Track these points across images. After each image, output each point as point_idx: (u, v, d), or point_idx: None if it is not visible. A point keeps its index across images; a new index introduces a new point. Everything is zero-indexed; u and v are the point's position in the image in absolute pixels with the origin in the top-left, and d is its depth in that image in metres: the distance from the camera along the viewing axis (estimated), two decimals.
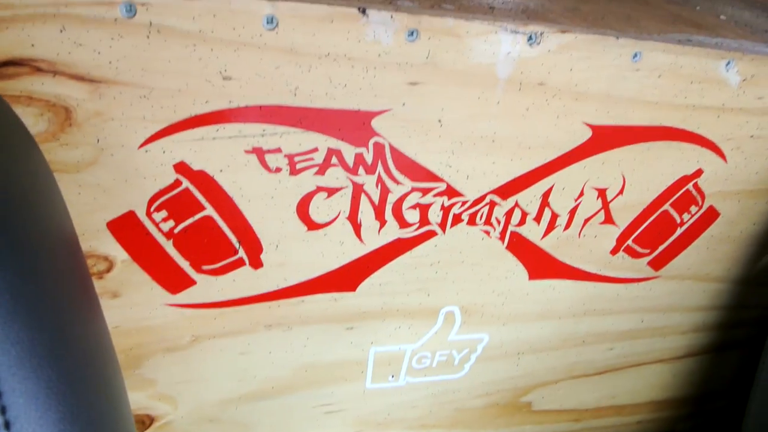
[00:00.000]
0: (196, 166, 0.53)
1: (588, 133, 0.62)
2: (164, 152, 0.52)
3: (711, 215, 0.74)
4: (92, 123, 0.49)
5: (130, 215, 0.54)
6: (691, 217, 0.73)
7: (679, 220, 0.73)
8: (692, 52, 0.60)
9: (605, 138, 0.62)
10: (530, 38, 0.54)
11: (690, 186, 0.70)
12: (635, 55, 0.58)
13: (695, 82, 0.62)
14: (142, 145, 0.51)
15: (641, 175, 0.67)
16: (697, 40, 0.62)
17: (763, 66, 0.64)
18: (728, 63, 0.62)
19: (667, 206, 0.71)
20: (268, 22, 0.48)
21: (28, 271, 0.44)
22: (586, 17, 0.62)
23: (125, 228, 0.55)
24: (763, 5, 0.94)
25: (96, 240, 0.55)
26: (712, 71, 0.62)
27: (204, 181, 0.54)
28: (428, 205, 0.61)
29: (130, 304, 0.59)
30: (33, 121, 0.48)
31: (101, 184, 0.52)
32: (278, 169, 0.55)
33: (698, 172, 0.70)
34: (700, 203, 0.72)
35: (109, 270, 0.57)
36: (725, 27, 0.72)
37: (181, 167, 0.53)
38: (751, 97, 0.66)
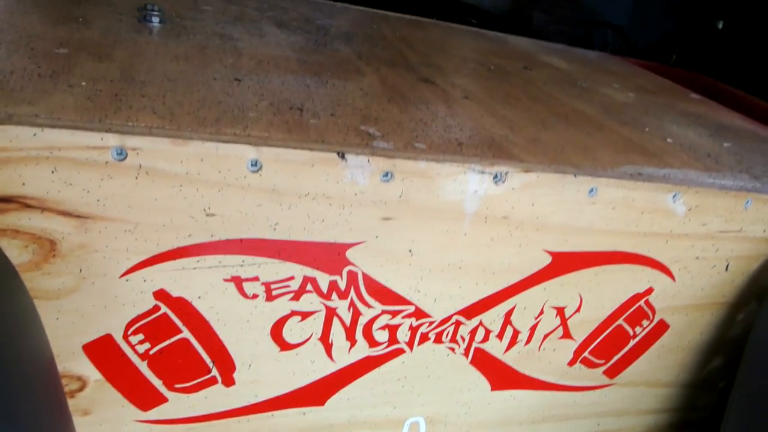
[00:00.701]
0: (175, 293, 0.55)
1: (548, 259, 0.65)
2: (145, 281, 0.53)
3: (661, 328, 0.78)
4: (76, 254, 0.51)
5: (107, 338, 0.55)
6: (642, 330, 0.77)
7: (632, 333, 0.77)
8: (643, 187, 0.65)
9: (564, 263, 0.67)
10: (496, 177, 0.58)
11: (642, 302, 0.75)
12: (591, 190, 0.63)
13: (646, 213, 0.67)
14: (123, 275, 0.53)
15: (597, 295, 0.71)
16: (647, 174, 0.68)
17: (706, 197, 0.69)
18: (675, 195, 0.67)
19: (620, 321, 0.75)
20: (252, 165, 0.51)
21: (2, 392, 0.45)
22: (547, 149, 0.66)
23: (101, 350, 0.56)
24: (704, 123, 1.02)
25: (71, 361, 0.55)
26: (661, 203, 0.67)
27: (182, 306, 0.55)
28: (397, 326, 0.64)
29: (100, 421, 0.60)
30: (17, 252, 0.50)
31: (80, 309, 0.53)
32: (255, 296, 0.57)
33: (649, 290, 0.74)
34: (651, 317, 0.77)
35: (81, 389, 0.57)
36: (672, 153, 0.78)
37: (161, 294, 0.54)
38: (696, 224, 0.71)
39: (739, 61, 1.68)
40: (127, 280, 0.53)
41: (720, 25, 1.69)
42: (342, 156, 0.53)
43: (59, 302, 0.53)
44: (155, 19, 0.81)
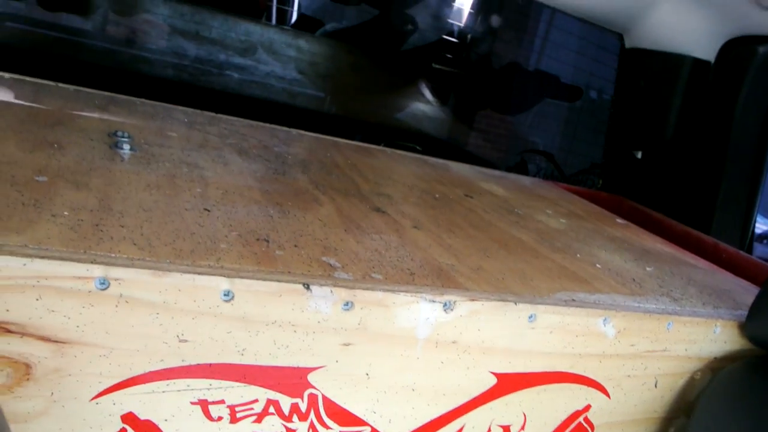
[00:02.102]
0: (143, 417, 0.57)
1: (493, 381, 0.71)
2: (114, 404, 0.56)
3: None
4: (50, 378, 0.53)
5: None
6: None
7: None
8: (576, 312, 0.72)
9: (508, 383, 0.72)
10: (445, 305, 0.64)
11: (581, 419, 0.80)
12: (531, 316, 0.69)
13: (580, 335, 0.74)
14: (94, 398, 0.55)
15: (540, 413, 0.76)
16: (579, 299, 0.75)
17: (632, 320, 0.77)
18: (605, 319, 0.74)
19: None
20: (225, 295, 0.55)
21: None
22: (490, 278, 0.73)
23: None
24: (628, 248, 1.12)
25: None
26: (593, 326, 0.74)
27: (149, 429, 0.57)
28: None
29: None
30: None
31: None
32: (220, 418, 0.59)
33: (587, 407, 0.80)
34: None
35: None
36: (601, 278, 0.86)
37: (129, 417, 0.56)
38: (625, 345, 0.78)
39: (656, 186, 1.84)
40: (97, 404, 0.55)
41: (639, 155, 1.87)
42: (307, 287, 0.58)
43: (27, 425, 0.54)
44: (126, 146, 0.86)
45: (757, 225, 1.91)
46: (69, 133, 0.87)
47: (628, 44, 1.87)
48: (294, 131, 1.33)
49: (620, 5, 1.74)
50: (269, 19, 2.51)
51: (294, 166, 1.03)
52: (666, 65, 1.78)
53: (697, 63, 1.74)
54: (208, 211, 0.70)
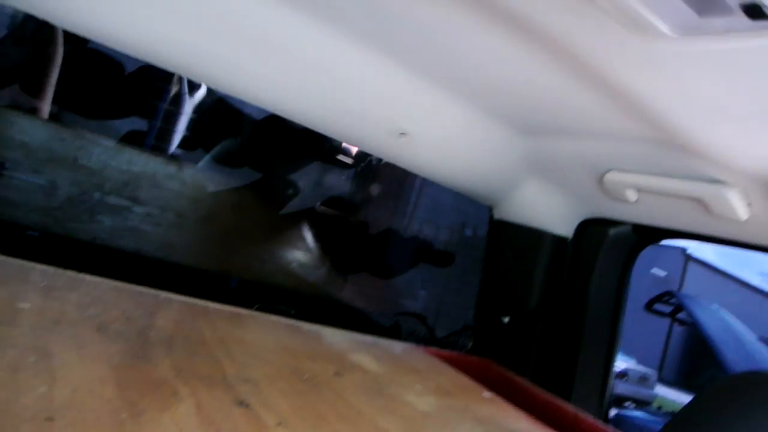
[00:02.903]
0: None
1: None
2: None
3: None
4: None
5: None
6: None
7: None
8: None
9: None
10: None
11: None
12: None
13: None
14: None
15: None
16: None
17: None
18: None
19: None
20: None
21: None
22: None
23: None
24: (494, 428, 1.14)
25: None
26: None
27: None
28: None
29: None
30: None
31: None
32: None
33: None
34: None
35: None
36: None
37: None
38: None
39: (522, 351, 1.93)
40: None
41: (505, 320, 1.96)
42: None
43: None
44: None
45: (616, 364, 2.02)
46: None
47: (496, 216, 2.01)
48: (163, 295, 1.28)
49: (489, 182, 1.88)
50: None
51: (157, 345, 0.98)
52: (529, 238, 1.92)
53: (557, 239, 1.89)
54: (51, 420, 0.64)
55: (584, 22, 0.83)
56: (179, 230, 2.37)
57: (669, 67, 0.83)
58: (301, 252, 2.59)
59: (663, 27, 0.69)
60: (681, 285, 19.85)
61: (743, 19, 0.60)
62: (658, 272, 19.64)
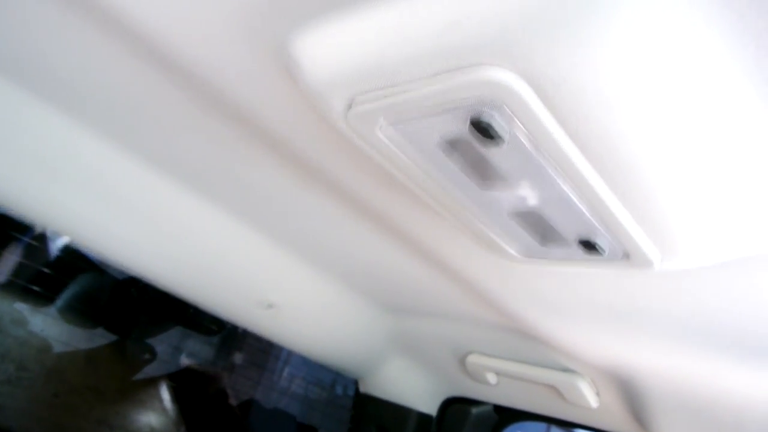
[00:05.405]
0: None
1: None
2: None
3: None
4: None
5: None
6: None
7: None
8: None
9: None
10: None
11: None
12: None
13: None
14: None
15: None
16: None
17: None
18: None
19: None
20: None
21: None
22: None
23: None
24: None
25: None
26: None
27: None
28: None
29: None
30: None
31: None
32: None
33: None
34: None
35: None
36: None
37: None
38: None
39: None
40: None
41: None
42: None
43: None
44: None
45: None
46: None
47: (362, 389, 1.97)
48: None
49: (355, 357, 1.86)
50: None
51: None
52: (394, 415, 1.89)
53: (421, 416, 1.86)
54: None
55: (443, 233, 0.89)
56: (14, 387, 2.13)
57: (519, 278, 0.89)
58: (156, 422, 2.38)
59: (511, 250, 0.75)
60: None
61: (579, 251, 0.67)
62: None
